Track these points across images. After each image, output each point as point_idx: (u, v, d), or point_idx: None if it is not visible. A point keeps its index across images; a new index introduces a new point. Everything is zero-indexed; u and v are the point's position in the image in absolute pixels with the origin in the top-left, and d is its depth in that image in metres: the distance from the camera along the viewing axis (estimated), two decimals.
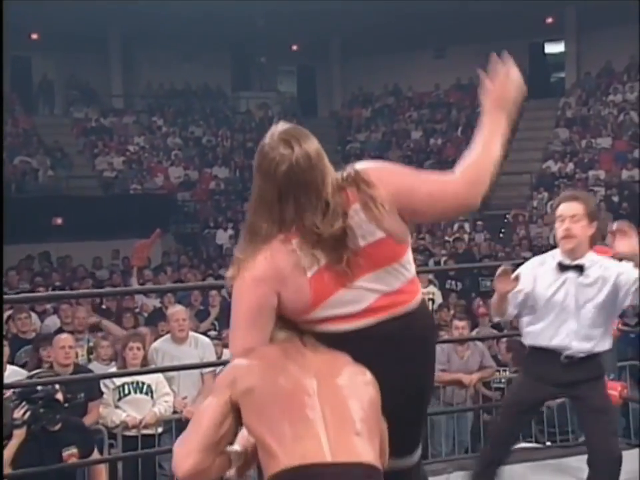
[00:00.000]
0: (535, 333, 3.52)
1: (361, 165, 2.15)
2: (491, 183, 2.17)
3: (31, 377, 4.43)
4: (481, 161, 2.14)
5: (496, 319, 3.85)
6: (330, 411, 1.90)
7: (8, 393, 4.13)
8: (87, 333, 6.96)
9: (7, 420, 3.88)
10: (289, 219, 2.05)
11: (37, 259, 13.28)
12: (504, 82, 2.21)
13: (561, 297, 3.46)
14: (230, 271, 2.15)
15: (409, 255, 2.18)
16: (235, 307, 2.13)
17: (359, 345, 2.07)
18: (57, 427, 4.14)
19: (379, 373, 2.02)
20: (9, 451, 3.98)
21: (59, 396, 4.16)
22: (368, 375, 2.02)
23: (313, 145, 2.08)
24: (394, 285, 2.11)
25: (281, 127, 2.11)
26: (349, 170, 2.11)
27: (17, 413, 3.97)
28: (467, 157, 2.16)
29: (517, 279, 3.41)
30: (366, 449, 1.88)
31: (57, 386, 4.19)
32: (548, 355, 3.47)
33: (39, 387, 4.06)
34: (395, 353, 2.10)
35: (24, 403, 3.98)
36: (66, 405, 4.29)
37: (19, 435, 4.00)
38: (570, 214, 3.45)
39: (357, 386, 1.98)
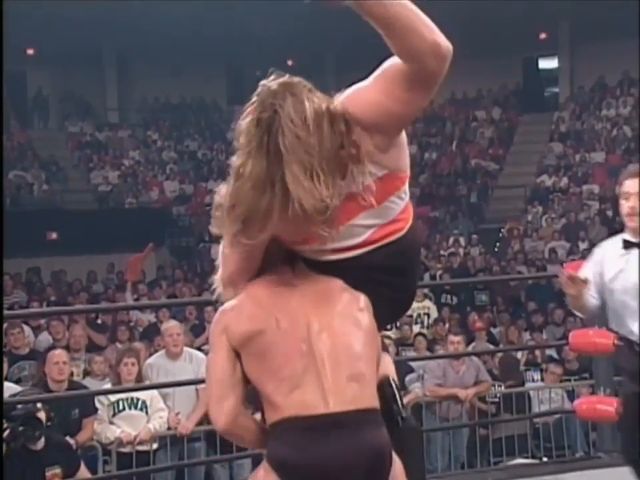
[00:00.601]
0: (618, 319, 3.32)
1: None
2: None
3: (14, 396, 4.37)
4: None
5: (587, 317, 3.63)
6: (327, 355, 1.90)
7: None
8: (83, 352, 6.92)
9: None
10: None
11: (26, 274, 13.18)
12: None
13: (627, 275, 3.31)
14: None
15: (406, 184, 2.13)
16: None
17: (352, 271, 2.05)
18: (40, 445, 4.08)
19: (371, 294, 2.04)
20: None
21: (41, 414, 4.12)
22: (362, 301, 2.01)
23: None
24: (390, 216, 2.09)
25: None
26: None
27: None
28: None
29: (585, 280, 3.25)
30: (363, 392, 1.91)
31: (39, 404, 4.14)
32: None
33: (19, 405, 4.01)
34: (386, 277, 2.11)
35: (4, 421, 3.94)
36: (49, 423, 4.24)
37: None
38: (635, 190, 3.32)
39: (353, 318, 1.98)
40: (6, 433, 3.94)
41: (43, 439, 4.12)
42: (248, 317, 1.97)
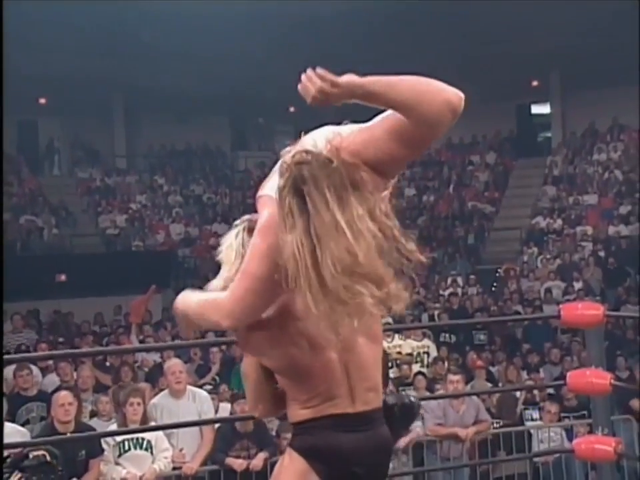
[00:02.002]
0: None
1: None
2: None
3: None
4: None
5: None
6: (355, 371, 2.19)
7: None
8: (90, 393, 6.84)
9: None
10: None
11: (34, 314, 13.06)
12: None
13: None
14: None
15: None
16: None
17: None
18: None
19: None
20: None
21: (48, 458, 4.04)
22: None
23: None
24: None
25: None
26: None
27: None
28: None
29: None
30: (377, 397, 2.26)
31: (42, 451, 4.06)
32: None
33: (31, 455, 3.93)
34: None
35: (17, 472, 3.86)
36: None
37: None
38: None
39: (371, 330, 2.21)
40: None
41: None
42: (272, 349, 2.21)
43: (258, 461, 5.53)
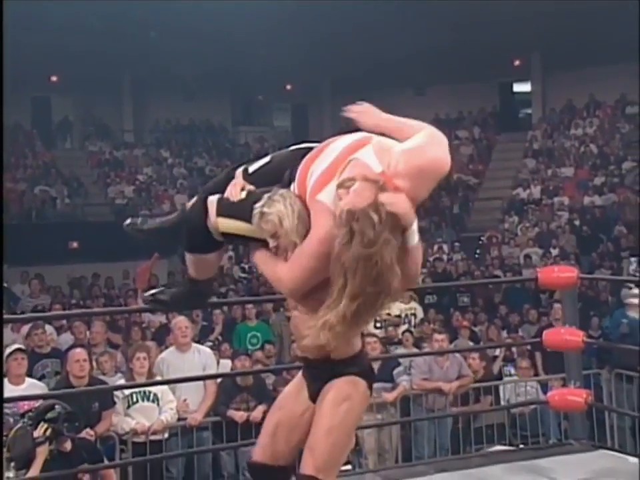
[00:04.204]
0: None
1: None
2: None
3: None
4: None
5: None
6: None
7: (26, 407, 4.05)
8: (103, 347, 6.86)
9: (27, 444, 3.78)
10: None
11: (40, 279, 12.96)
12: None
13: None
14: None
15: None
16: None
17: None
18: (69, 447, 4.01)
19: None
20: (36, 469, 3.83)
21: (70, 409, 4.07)
22: None
23: None
24: None
25: None
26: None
27: (38, 432, 3.86)
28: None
29: None
30: None
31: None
32: None
33: (57, 406, 3.95)
34: None
35: (42, 423, 3.87)
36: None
37: (42, 452, 3.88)
38: None
39: None
40: (49, 432, 3.88)
41: (69, 440, 4.04)
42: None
43: (257, 413, 5.59)
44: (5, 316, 4.77)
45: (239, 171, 2.60)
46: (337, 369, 2.45)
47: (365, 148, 2.35)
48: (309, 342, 2.23)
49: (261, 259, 2.44)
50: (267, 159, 2.61)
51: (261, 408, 5.62)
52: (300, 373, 2.65)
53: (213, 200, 2.50)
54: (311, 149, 2.52)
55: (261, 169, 2.57)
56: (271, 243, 2.37)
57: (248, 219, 2.41)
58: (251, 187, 2.51)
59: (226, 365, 6.30)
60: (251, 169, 2.59)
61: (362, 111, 2.51)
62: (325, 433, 2.37)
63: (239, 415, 5.60)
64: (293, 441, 2.51)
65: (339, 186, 2.22)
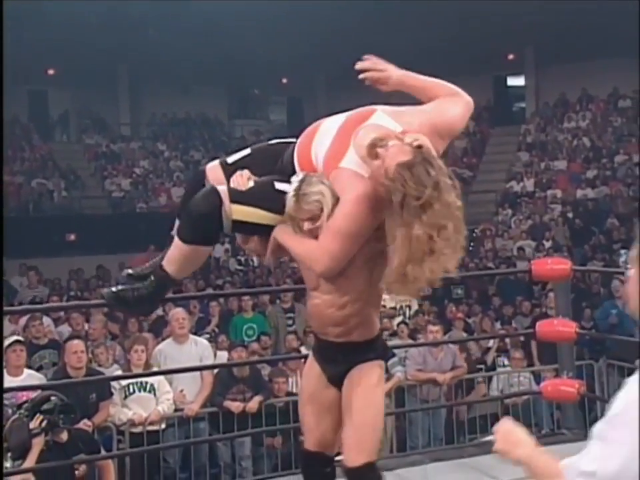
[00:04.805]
0: None
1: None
2: None
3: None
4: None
5: None
6: None
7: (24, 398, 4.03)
8: (102, 339, 6.85)
9: (23, 435, 3.76)
10: None
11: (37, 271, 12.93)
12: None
13: None
14: None
15: None
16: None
17: None
18: (65, 437, 4.01)
19: None
20: (32, 460, 3.81)
21: (66, 400, 4.06)
22: None
23: None
24: None
25: None
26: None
27: (34, 424, 3.85)
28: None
29: None
30: None
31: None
32: None
33: (52, 398, 3.94)
34: None
35: (38, 414, 3.86)
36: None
37: (38, 443, 3.86)
38: None
39: None
40: (44, 423, 3.87)
41: (65, 431, 4.03)
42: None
43: (253, 404, 5.59)
44: (4, 308, 4.74)
45: (216, 163, 2.60)
46: (361, 352, 2.50)
47: (374, 115, 2.37)
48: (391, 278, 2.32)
49: (292, 241, 2.40)
50: (246, 151, 2.63)
51: (257, 398, 5.63)
52: (309, 362, 2.65)
53: (223, 189, 2.47)
54: (290, 142, 2.55)
55: (241, 161, 2.57)
56: (306, 225, 2.34)
57: (260, 205, 2.41)
58: (255, 177, 2.50)
59: (222, 357, 6.30)
60: (230, 160, 2.60)
61: (383, 69, 2.51)
62: (371, 423, 2.50)
63: (235, 406, 5.60)
64: (336, 427, 2.59)
65: (371, 146, 2.20)
